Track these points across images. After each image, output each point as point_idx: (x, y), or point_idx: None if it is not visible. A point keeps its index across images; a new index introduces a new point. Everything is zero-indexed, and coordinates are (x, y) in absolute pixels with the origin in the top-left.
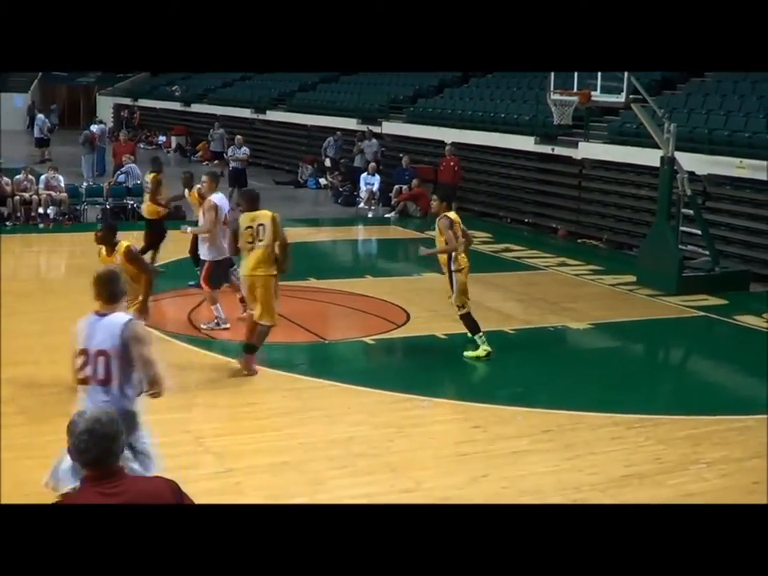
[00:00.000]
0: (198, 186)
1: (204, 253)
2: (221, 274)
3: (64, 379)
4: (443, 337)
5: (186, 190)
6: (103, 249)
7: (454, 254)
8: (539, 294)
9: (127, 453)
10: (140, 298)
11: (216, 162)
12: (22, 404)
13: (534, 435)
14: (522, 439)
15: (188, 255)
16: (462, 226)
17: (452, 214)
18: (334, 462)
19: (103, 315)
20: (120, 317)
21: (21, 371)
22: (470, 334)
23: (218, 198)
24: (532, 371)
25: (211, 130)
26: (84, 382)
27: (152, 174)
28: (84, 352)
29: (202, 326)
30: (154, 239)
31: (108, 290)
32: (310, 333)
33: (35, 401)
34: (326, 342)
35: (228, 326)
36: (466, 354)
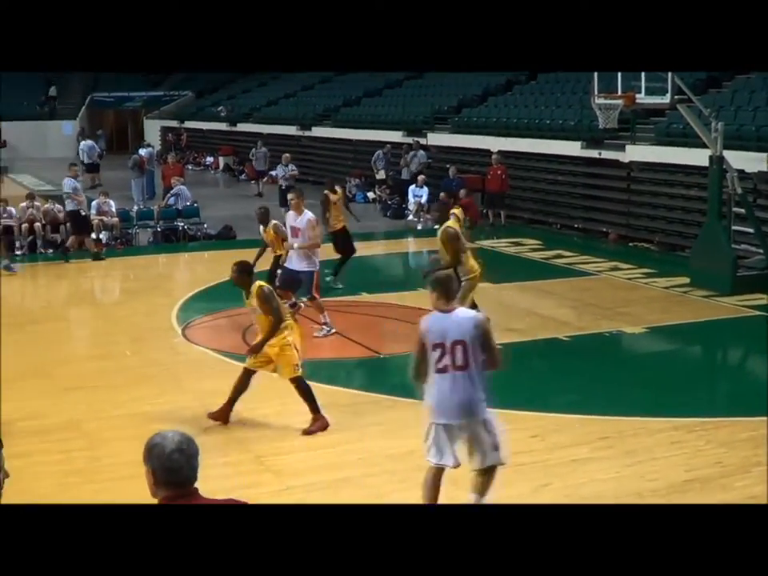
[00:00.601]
0: (275, 222)
1: (303, 266)
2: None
3: (122, 403)
4: (498, 346)
5: (261, 227)
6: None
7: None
8: (592, 299)
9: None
10: (259, 336)
11: (263, 180)
12: (83, 429)
13: (593, 443)
14: (581, 447)
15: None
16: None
17: (453, 223)
18: (394, 477)
19: (448, 312)
20: (466, 312)
21: (80, 396)
22: None
23: (314, 216)
24: (588, 378)
25: (253, 149)
26: (443, 370)
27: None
28: (440, 345)
29: (315, 334)
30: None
31: (449, 290)
32: (365, 347)
33: (95, 425)
34: (381, 356)
35: (335, 330)
36: None
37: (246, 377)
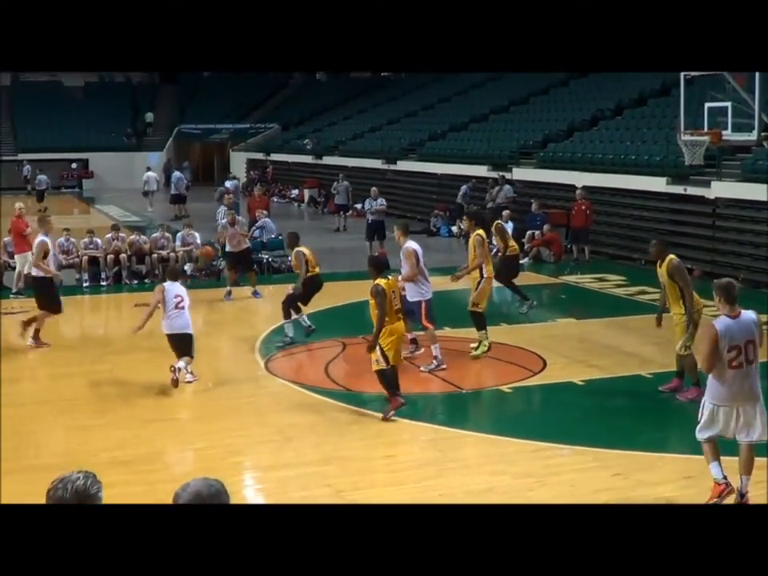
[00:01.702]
0: (297, 249)
1: (412, 296)
2: (433, 311)
3: (204, 435)
4: (580, 383)
5: (290, 251)
6: None
7: (484, 265)
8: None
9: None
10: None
11: (346, 213)
12: (165, 461)
13: (677, 481)
14: (666, 485)
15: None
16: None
17: (482, 232)
18: None
19: (735, 317)
20: (749, 314)
21: (163, 427)
22: (477, 330)
23: (413, 244)
24: (671, 416)
25: (335, 183)
26: (738, 366)
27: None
28: (735, 347)
29: (422, 368)
30: None
31: (735, 296)
32: (447, 382)
33: (177, 457)
34: (463, 391)
35: (445, 366)
36: (473, 354)
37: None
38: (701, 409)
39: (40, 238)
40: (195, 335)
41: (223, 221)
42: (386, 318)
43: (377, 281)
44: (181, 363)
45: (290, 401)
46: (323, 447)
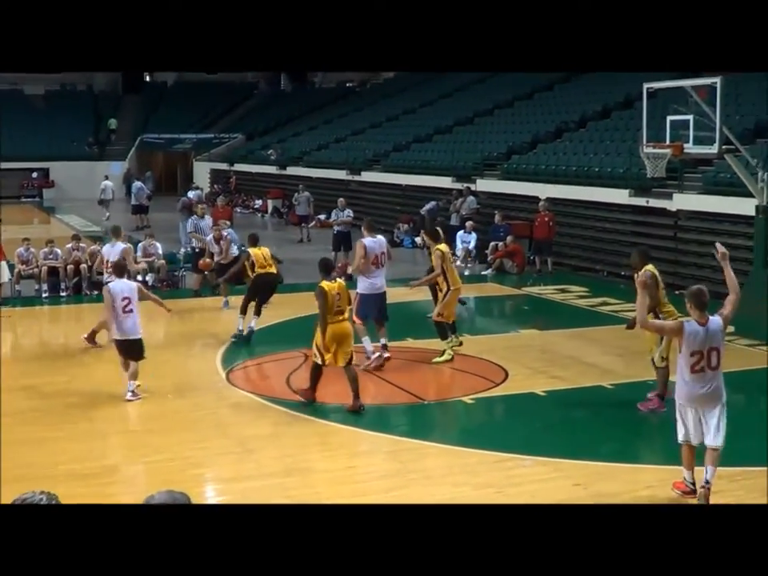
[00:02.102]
0: (250, 249)
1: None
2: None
3: (163, 448)
4: (542, 394)
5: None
6: None
7: (449, 277)
8: (638, 347)
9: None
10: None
11: (308, 225)
12: (123, 473)
13: (637, 491)
14: (625, 495)
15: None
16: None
17: (443, 247)
18: None
19: (703, 324)
20: (716, 320)
21: (121, 440)
22: (441, 340)
23: (369, 240)
24: (632, 426)
25: (296, 194)
26: (700, 371)
27: None
28: (698, 352)
29: (360, 367)
30: None
31: (705, 303)
32: (409, 394)
33: (135, 470)
34: (425, 402)
35: (380, 358)
36: (434, 360)
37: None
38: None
39: None
40: (157, 346)
41: (208, 237)
42: (328, 318)
43: (321, 283)
44: (131, 385)
45: (251, 412)
46: (285, 459)
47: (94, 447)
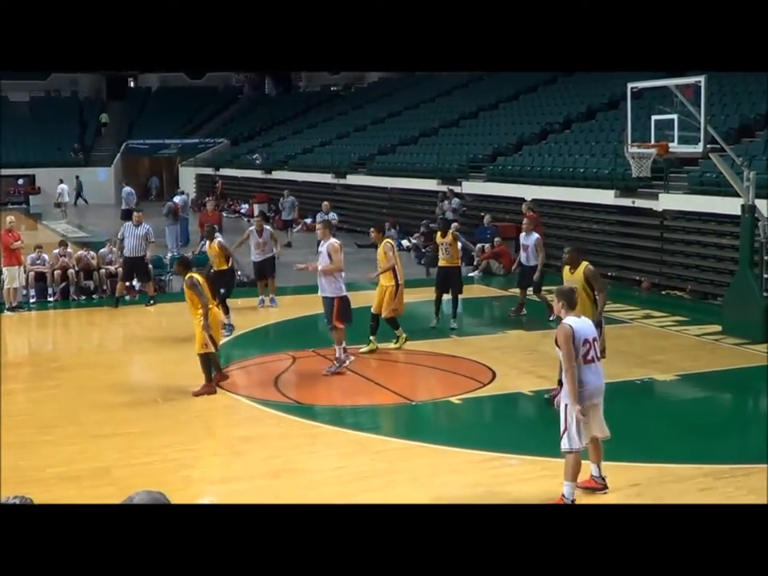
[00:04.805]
0: (219, 239)
1: (330, 291)
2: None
3: (153, 450)
4: (530, 394)
5: (207, 242)
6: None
7: (398, 271)
8: (625, 347)
9: None
10: None
11: (293, 229)
12: (113, 476)
13: (624, 489)
14: (612, 494)
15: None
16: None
17: (390, 240)
18: None
19: (578, 317)
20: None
21: (111, 443)
22: (394, 330)
23: (337, 241)
24: (618, 425)
25: (281, 199)
26: (591, 361)
27: None
28: (587, 341)
29: (324, 371)
30: None
31: (573, 300)
32: (397, 394)
33: (125, 472)
34: (413, 403)
35: (348, 363)
36: (394, 345)
37: None
38: (564, 417)
39: None
40: (142, 351)
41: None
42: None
43: (189, 275)
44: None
45: (239, 414)
46: (273, 460)
47: (83, 450)
